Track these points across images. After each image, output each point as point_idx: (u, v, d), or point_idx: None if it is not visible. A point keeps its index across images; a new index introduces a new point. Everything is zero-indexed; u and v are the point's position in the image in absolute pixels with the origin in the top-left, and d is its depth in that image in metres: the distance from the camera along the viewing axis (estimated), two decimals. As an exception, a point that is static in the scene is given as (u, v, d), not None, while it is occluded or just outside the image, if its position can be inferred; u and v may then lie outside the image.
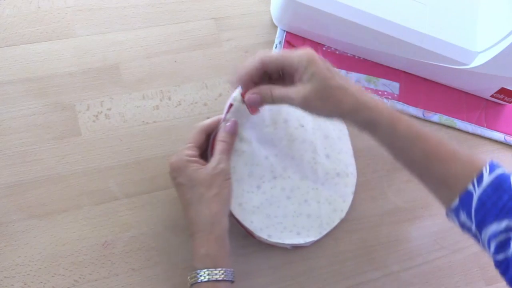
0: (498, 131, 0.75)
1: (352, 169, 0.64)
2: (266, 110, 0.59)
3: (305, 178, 0.60)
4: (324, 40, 0.72)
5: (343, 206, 0.62)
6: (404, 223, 0.65)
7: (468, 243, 0.66)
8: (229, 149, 0.55)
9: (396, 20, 0.67)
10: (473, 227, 0.47)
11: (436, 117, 0.73)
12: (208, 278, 0.48)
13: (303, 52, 0.49)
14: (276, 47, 0.70)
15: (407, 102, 0.72)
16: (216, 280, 0.49)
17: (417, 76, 0.75)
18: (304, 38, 0.72)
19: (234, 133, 0.56)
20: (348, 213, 0.63)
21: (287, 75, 0.51)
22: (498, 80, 0.71)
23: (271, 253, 0.59)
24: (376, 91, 0.72)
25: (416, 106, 0.72)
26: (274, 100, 0.51)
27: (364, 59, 0.73)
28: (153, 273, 0.56)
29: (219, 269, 0.49)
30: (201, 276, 0.49)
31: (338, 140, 0.64)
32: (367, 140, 0.70)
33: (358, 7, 0.66)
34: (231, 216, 0.55)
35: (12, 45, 0.63)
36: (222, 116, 0.56)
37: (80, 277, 0.55)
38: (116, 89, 0.63)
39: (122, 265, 0.56)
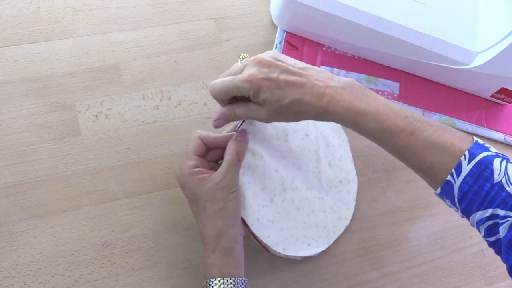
0: (498, 131, 0.75)
1: (353, 175, 0.64)
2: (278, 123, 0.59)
3: (311, 188, 0.60)
4: (324, 40, 0.72)
5: (347, 214, 0.62)
6: (404, 223, 0.65)
7: (468, 243, 0.66)
8: (239, 161, 0.52)
9: (396, 20, 0.67)
10: (460, 213, 0.47)
11: (436, 117, 0.73)
12: (221, 284, 0.49)
13: (245, 80, 0.48)
14: (276, 47, 0.70)
15: (407, 102, 0.72)
16: None
17: (417, 76, 0.75)
18: (304, 38, 0.72)
19: (244, 144, 0.53)
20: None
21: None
22: (498, 80, 0.71)
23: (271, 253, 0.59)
24: (376, 91, 0.72)
25: (416, 106, 0.72)
26: (237, 118, 0.52)
27: (364, 59, 0.73)
28: (153, 273, 0.56)
29: (229, 278, 0.49)
30: (213, 285, 0.49)
31: (339, 147, 0.64)
32: (367, 140, 0.69)
33: (358, 7, 0.66)
34: (247, 228, 0.55)
35: (12, 45, 0.63)
36: (236, 127, 0.55)
37: (80, 277, 0.55)
38: (116, 89, 0.63)
39: (122, 265, 0.56)
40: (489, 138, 0.74)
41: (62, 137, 0.60)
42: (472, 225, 0.47)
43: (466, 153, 0.45)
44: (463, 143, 0.46)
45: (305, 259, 0.60)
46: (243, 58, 0.53)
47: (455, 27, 0.70)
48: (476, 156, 0.44)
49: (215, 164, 0.55)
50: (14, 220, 0.55)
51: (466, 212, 0.46)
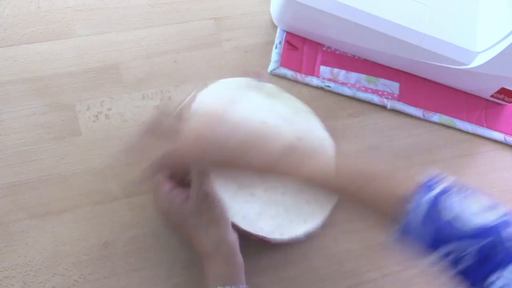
0: (498, 131, 0.75)
1: (327, 142, 0.63)
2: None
3: None
4: (324, 40, 0.72)
5: None
6: (404, 223, 0.65)
7: (468, 243, 0.66)
8: (205, 169, 0.52)
9: (396, 20, 0.67)
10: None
11: (436, 117, 0.73)
12: None
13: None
14: (276, 47, 0.70)
15: (407, 102, 0.72)
16: None
17: (417, 76, 0.75)
18: (304, 38, 0.72)
19: None
20: (348, 213, 0.63)
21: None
22: (498, 80, 0.71)
23: (271, 253, 0.59)
24: (376, 91, 0.72)
25: (416, 106, 0.72)
26: None
27: (364, 59, 0.73)
28: (153, 273, 0.56)
29: (229, 286, 0.49)
30: None
31: (306, 121, 0.63)
32: (367, 140, 0.70)
33: (358, 7, 0.66)
34: (239, 230, 0.55)
35: (12, 45, 0.63)
36: None
37: (80, 277, 0.54)
38: (116, 89, 0.63)
39: (122, 265, 0.56)
40: (489, 138, 0.74)
41: (62, 137, 0.60)
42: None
43: (411, 198, 0.43)
44: (408, 185, 0.44)
45: (305, 259, 0.60)
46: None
47: (455, 27, 0.70)
48: (425, 195, 0.43)
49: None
50: (14, 220, 0.55)
51: (432, 249, 0.44)
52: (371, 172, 0.47)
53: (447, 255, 0.42)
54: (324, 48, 0.73)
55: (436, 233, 0.42)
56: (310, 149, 0.49)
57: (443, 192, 0.43)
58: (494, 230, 0.41)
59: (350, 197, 0.47)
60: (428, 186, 0.43)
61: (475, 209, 0.42)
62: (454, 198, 0.43)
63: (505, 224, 0.41)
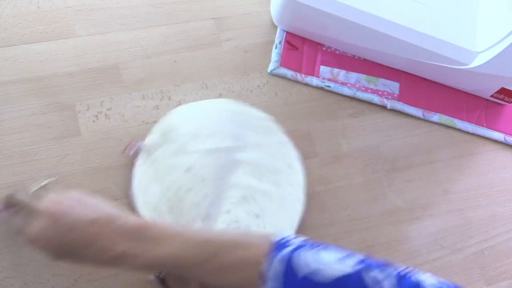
0: (498, 131, 0.75)
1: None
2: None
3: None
4: (324, 40, 0.72)
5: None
6: (404, 223, 0.65)
7: (468, 243, 0.66)
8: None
9: (396, 20, 0.67)
10: None
11: (436, 117, 0.73)
12: None
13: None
14: (276, 47, 0.70)
15: (407, 102, 0.72)
16: None
17: (417, 76, 0.75)
18: (304, 38, 0.72)
19: None
20: (348, 213, 0.63)
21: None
22: (498, 80, 0.71)
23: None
24: (376, 91, 0.72)
25: (416, 106, 0.72)
26: None
27: (364, 59, 0.73)
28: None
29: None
30: None
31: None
32: (367, 141, 0.70)
33: (358, 7, 0.66)
34: None
35: (12, 45, 0.63)
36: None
37: (80, 277, 0.54)
38: (116, 89, 0.63)
39: (122, 265, 0.56)
40: (489, 138, 0.74)
41: (62, 137, 0.60)
42: None
43: (265, 261, 0.42)
44: (260, 250, 0.43)
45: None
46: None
47: (455, 27, 0.70)
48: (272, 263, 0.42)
49: None
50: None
51: None
52: (220, 240, 0.45)
53: None
54: (324, 48, 0.73)
55: None
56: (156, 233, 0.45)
57: (296, 248, 0.42)
58: (356, 276, 0.40)
59: (203, 271, 0.44)
60: (280, 245, 0.43)
61: (332, 260, 0.41)
62: (308, 253, 0.42)
63: (366, 268, 0.41)
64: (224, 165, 0.60)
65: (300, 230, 0.61)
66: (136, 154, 0.58)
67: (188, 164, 0.59)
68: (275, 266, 0.41)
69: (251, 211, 0.59)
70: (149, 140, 0.60)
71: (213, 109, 0.64)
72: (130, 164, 0.59)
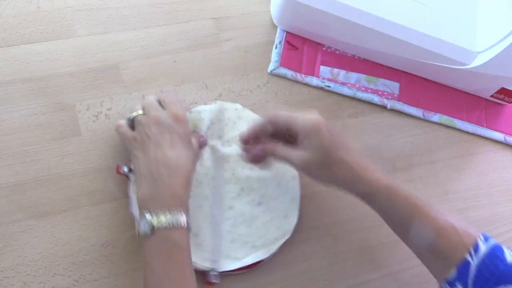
0: (498, 131, 0.75)
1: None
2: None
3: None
4: (324, 40, 0.72)
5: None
6: (404, 223, 0.65)
7: (468, 243, 0.66)
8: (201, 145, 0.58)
9: (396, 20, 0.67)
10: None
11: (436, 117, 0.73)
12: (168, 222, 0.47)
13: (309, 119, 0.51)
14: (276, 47, 0.70)
15: (407, 102, 0.72)
16: (178, 227, 0.47)
17: (417, 76, 0.75)
18: (304, 38, 0.72)
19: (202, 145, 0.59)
20: (348, 213, 0.63)
21: (292, 137, 0.53)
22: (498, 80, 0.71)
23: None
24: (376, 91, 0.72)
25: (416, 106, 0.72)
26: (276, 159, 0.54)
27: (364, 59, 0.73)
28: (153, 273, 0.56)
29: (179, 211, 0.48)
30: (181, 217, 0.48)
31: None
32: (367, 141, 0.70)
33: (358, 7, 0.66)
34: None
35: (12, 45, 0.63)
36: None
37: (80, 277, 0.55)
38: (116, 89, 0.63)
39: (122, 265, 0.56)
40: (489, 138, 0.74)
41: (62, 137, 0.60)
42: None
43: (481, 236, 0.47)
44: (475, 229, 0.49)
45: (305, 259, 0.60)
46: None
47: (455, 27, 0.70)
48: (489, 239, 0.47)
49: None
50: (14, 220, 0.55)
51: None
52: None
53: None
54: (324, 48, 0.73)
55: (499, 273, 0.45)
56: None
57: (498, 244, 0.47)
58: None
59: (429, 222, 0.49)
60: (485, 237, 0.48)
61: None
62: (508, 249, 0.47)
63: None
64: (214, 164, 0.60)
65: (300, 230, 0.61)
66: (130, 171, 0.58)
67: None
68: (491, 244, 0.47)
69: (253, 201, 0.60)
70: None
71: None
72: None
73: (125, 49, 0.66)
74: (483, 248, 0.46)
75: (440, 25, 0.69)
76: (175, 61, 0.67)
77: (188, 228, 0.49)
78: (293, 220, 0.60)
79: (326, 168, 0.51)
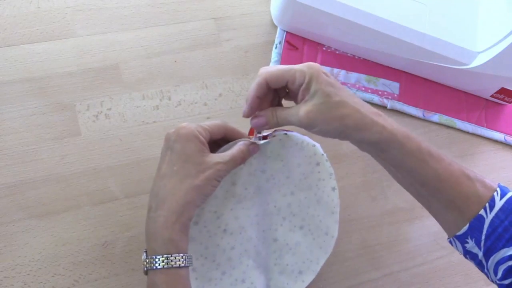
0: (498, 131, 0.75)
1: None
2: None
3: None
4: (324, 40, 0.72)
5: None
6: (404, 223, 0.65)
7: (468, 243, 0.66)
8: (241, 160, 0.50)
9: (396, 20, 0.67)
10: (480, 255, 0.45)
11: (436, 117, 0.73)
12: (167, 264, 0.45)
13: (306, 66, 0.47)
14: (276, 47, 0.70)
15: (407, 102, 0.72)
16: (177, 267, 0.45)
17: (417, 76, 0.75)
18: (304, 38, 0.72)
19: (251, 153, 0.52)
20: (348, 213, 0.63)
21: (293, 92, 0.49)
22: (498, 80, 0.71)
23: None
24: (376, 91, 0.72)
25: (416, 106, 0.72)
26: (278, 121, 0.49)
27: (364, 59, 0.73)
28: (153, 273, 0.56)
29: (179, 254, 0.45)
30: (157, 262, 0.45)
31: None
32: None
33: (358, 7, 0.66)
34: None
35: (12, 45, 0.63)
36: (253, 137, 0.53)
37: (80, 277, 0.55)
38: (116, 89, 0.63)
39: (122, 265, 0.56)
40: (489, 138, 0.74)
41: (62, 137, 0.60)
42: (487, 271, 0.45)
43: (498, 189, 0.45)
44: (491, 181, 0.46)
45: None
46: None
47: (455, 27, 0.70)
48: (507, 193, 0.45)
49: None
50: (14, 220, 0.55)
51: (489, 252, 0.44)
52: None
53: None
54: (324, 48, 0.73)
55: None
56: None
57: None
58: None
59: (444, 168, 0.46)
60: (502, 190, 0.46)
61: None
62: None
63: None
64: (257, 202, 0.55)
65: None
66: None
67: (224, 227, 0.53)
68: (506, 198, 0.45)
69: (295, 227, 0.56)
70: None
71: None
72: (132, 164, 0.60)
73: (125, 49, 0.66)
74: (498, 202, 0.44)
75: (440, 25, 0.69)
76: (175, 61, 0.67)
77: (170, 267, 0.45)
78: (333, 235, 0.56)
79: (330, 114, 0.46)
